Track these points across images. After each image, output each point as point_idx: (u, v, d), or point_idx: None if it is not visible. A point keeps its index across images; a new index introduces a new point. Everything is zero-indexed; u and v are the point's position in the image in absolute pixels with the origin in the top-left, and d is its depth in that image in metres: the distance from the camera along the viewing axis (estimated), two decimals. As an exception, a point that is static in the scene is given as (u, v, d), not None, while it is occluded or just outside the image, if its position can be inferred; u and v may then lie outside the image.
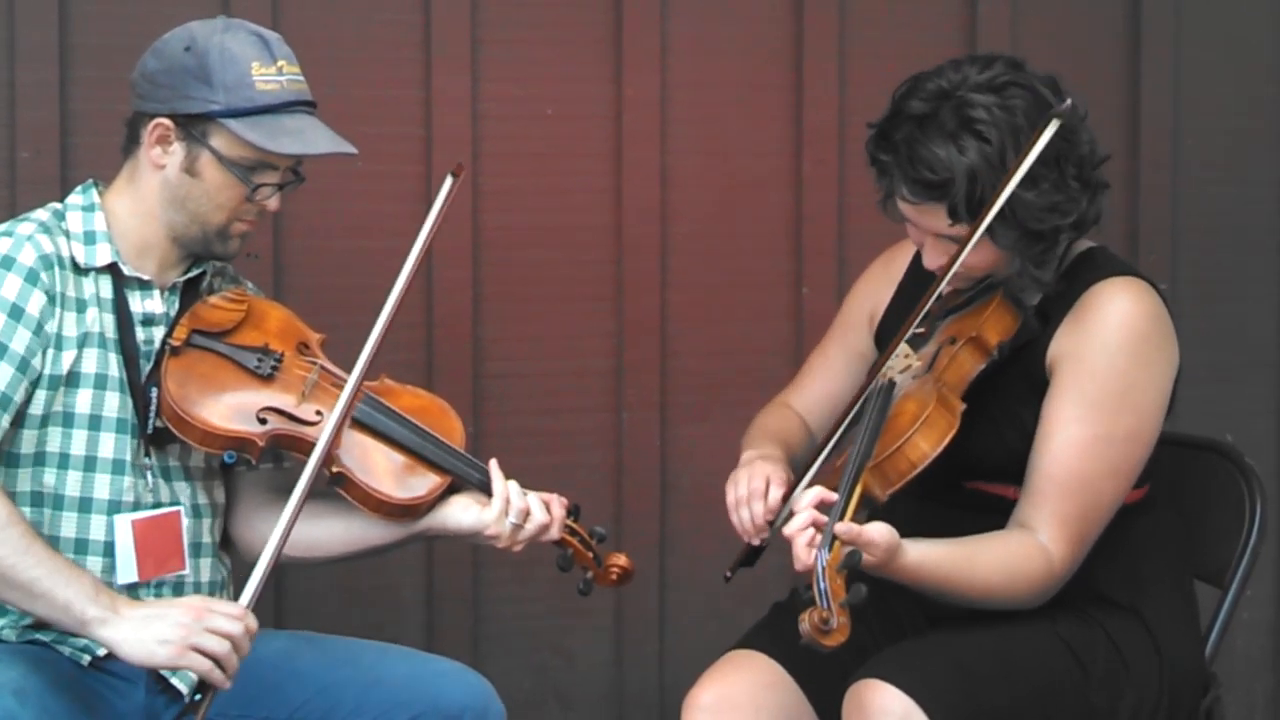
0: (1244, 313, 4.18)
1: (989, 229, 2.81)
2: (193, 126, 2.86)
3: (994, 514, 2.89)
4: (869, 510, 2.78)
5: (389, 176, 3.72)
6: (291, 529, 2.77)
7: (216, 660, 2.67)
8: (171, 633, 2.67)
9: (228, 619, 2.69)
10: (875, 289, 3.20)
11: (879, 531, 2.67)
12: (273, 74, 2.87)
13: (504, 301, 3.84)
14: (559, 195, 3.88)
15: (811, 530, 2.66)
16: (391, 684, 2.92)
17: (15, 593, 2.68)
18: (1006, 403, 2.91)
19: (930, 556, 2.76)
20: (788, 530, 2.68)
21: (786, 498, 2.91)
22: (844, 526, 2.64)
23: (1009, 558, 2.82)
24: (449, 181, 2.93)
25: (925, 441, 2.79)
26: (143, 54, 2.94)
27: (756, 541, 2.95)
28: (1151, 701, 2.89)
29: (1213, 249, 4.16)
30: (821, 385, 3.21)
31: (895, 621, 3.02)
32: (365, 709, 2.91)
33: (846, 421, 2.91)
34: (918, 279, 3.07)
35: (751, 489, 2.94)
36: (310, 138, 2.90)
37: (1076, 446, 2.83)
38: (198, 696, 2.69)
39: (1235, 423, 3.98)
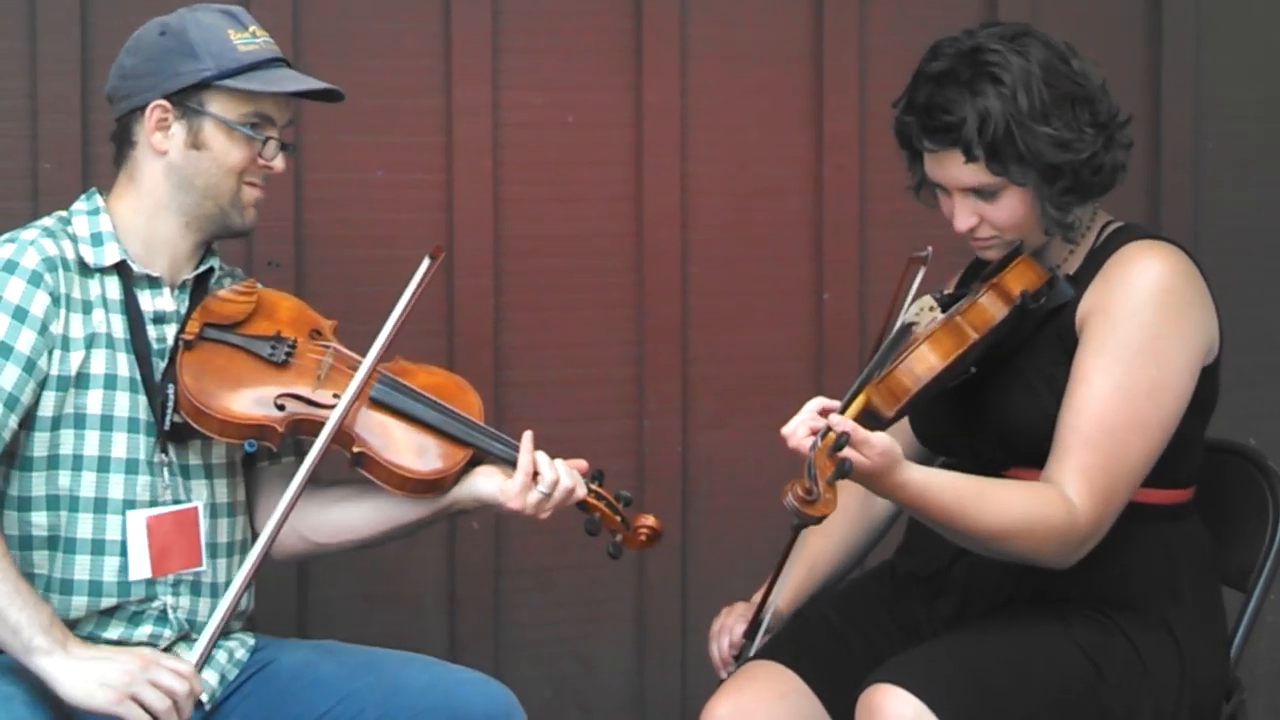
0: (1267, 316, 4.17)
1: (1007, 171, 2.85)
2: (189, 100, 2.91)
3: None
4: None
5: (410, 185, 3.73)
6: (276, 537, 2.81)
7: (154, 716, 2.66)
8: (114, 677, 2.67)
9: (174, 676, 2.69)
10: None
11: (877, 435, 2.66)
12: (249, 37, 2.94)
13: (525, 309, 3.84)
14: (579, 203, 3.88)
15: (808, 425, 2.66)
16: (413, 693, 2.92)
17: None
18: (1041, 365, 2.92)
19: (938, 479, 2.75)
20: (787, 428, 2.69)
21: (749, 634, 3.10)
22: (839, 418, 2.65)
23: (1028, 501, 2.78)
24: (426, 263, 2.98)
25: (930, 355, 2.78)
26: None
27: (723, 675, 3.08)
28: (1171, 707, 2.88)
29: (1234, 252, 4.14)
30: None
31: (913, 628, 3.02)
32: (387, 718, 2.90)
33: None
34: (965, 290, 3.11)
35: (723, 625, 3.16)
36: (305, 80, 2.97)
37: (1098, 397, 2.82)
38: None
39: (1258, 426, 3.96)
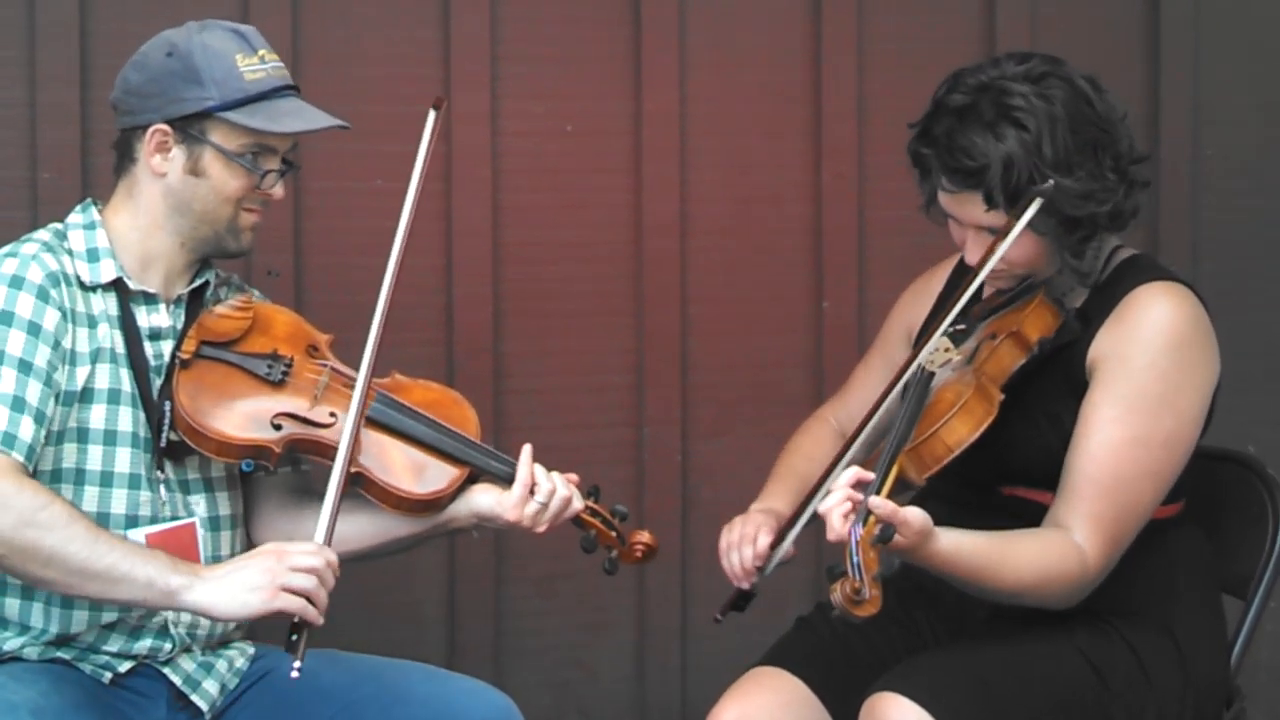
0: (1265, 323, 4.17)
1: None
2: (190, 127, 2.89)
3: (1031, 521, 2.88)
4: (907, 495, 2.78)
5: (409, 193, 3.72)
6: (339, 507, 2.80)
7: (307, 596, 2.69)
8: (259, 579, 2.70)
9: (307, 555, 2.72)
10: (914, 303, 3.22)
11: (913, 513, 2.66)
12: (256, 63, 2.91)
13: (524, 317, 3.85)
14: (579, 211, 3.89)
15: (848, 503, 2.66)
16: (414, 702, 2.92)
17: (96, 583, 2.69)
18: (1046, 403, 2.92)
19: (964, 546, 2.75)
20: (823, 507, 2.68)
21: (775, 545, 2.96)
22: (878, 501, 2.65)
23: (1043, 555, 2.81)
24: (431, 115, 2.98)
25: (963, 426, 2.80)
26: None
27: (746, 585, 3.00)
28: (1174, 711, 2.88)
29: (1232, 259, 4.15)
30: (861, 395, 3.21)
31: (917, 635, 3.02)
32: (387, 727, 2.91)
33: (880, 410, 2.92)
34: (956, 290, 3.09)
35: (742, 534, 3.01)
36: (309, 115, 2.94)
37: (1114, 447, 2.83)
38: (294, 637, 2.70)
39: (1257, 433, 3.96)
